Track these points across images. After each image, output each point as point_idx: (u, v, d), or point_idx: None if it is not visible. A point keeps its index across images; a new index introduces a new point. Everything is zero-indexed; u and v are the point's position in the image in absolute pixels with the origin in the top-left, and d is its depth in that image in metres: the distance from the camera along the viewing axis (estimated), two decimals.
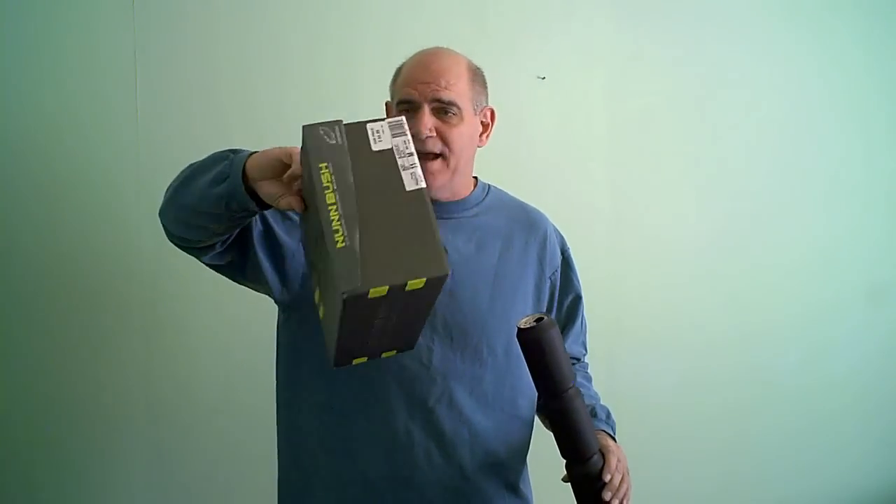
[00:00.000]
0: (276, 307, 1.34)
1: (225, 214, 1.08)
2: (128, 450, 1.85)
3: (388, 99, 1.35)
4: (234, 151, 1.09)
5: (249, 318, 1.78)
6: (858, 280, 2.09)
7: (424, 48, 1.30)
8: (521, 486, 1.35)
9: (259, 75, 1.82)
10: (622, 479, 1.21)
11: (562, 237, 1.42)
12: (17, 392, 1.80)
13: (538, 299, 1.35)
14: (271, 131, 1.83)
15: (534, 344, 1.13)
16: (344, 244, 0.91)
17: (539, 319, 1.14)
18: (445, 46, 1.31)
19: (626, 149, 1.97)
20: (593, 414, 1.33)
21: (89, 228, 1.81)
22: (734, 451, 2.04)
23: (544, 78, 1.89)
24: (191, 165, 1.18)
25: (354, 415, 1.25)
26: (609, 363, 1.97)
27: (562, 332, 1.36)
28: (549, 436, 1.30)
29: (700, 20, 1.99)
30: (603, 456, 1.21)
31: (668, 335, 2.01)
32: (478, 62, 1.89)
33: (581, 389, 1.29)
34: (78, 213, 1.81)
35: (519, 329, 1.14)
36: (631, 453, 1.98)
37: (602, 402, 1.42)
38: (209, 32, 1.82)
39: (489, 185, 1.38)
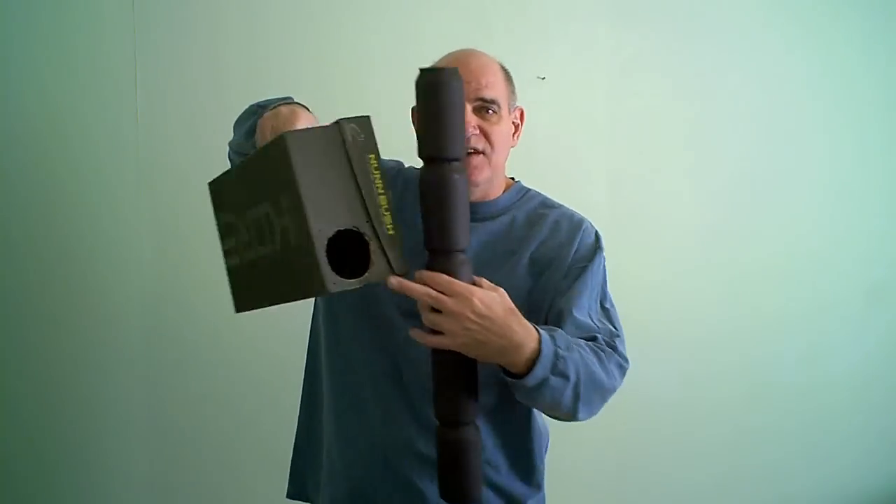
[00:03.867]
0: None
1: None
2: (128, 450, 1.85)
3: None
4: (262, 106, 1.17)
5: (250, 318, 1.78)
6: (857, 278, 2.09)
7: (454, 51, 1.28)
8: (533, 477, 1.30)
9: (260, 75, 1.82)
10: (439, 300, 1.00)
11: (597, 246, 1.27)
12: (17, 392, 1.80)
13: (538, 304, 1.23)
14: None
15: (428, 89, 1.03)
16: (392, 231, 1.00)
17: None
18: (473, 48, 1.29)
19: (626, 149, 1.97)
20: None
21: (89, 228, 1.81)
22: (732, 448, 2.04)
23: (544, 78, 1.89)
24: (243, 116, 1.26)
25: (356, 416, 1.25)
26: None
27: (560, 297, 1.21)
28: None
29: (699, 22, 1.99)
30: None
31: (667, 333, 2.01)
32: None
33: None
34: (78, 213, 1.81)
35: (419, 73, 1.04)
36: (630, 449, 2.01)
37: (578, 354, 1.11)
38: (209, 32, 1.82)
39: (528, 189, 1.33)
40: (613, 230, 1.91)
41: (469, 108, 1.21)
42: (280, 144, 0.97)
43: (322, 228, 0.95)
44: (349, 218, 0.99)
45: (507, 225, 1.27)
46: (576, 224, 1.28)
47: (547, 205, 1.32)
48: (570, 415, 1.11)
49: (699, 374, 2.02)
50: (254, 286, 1.11)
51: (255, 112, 1.19)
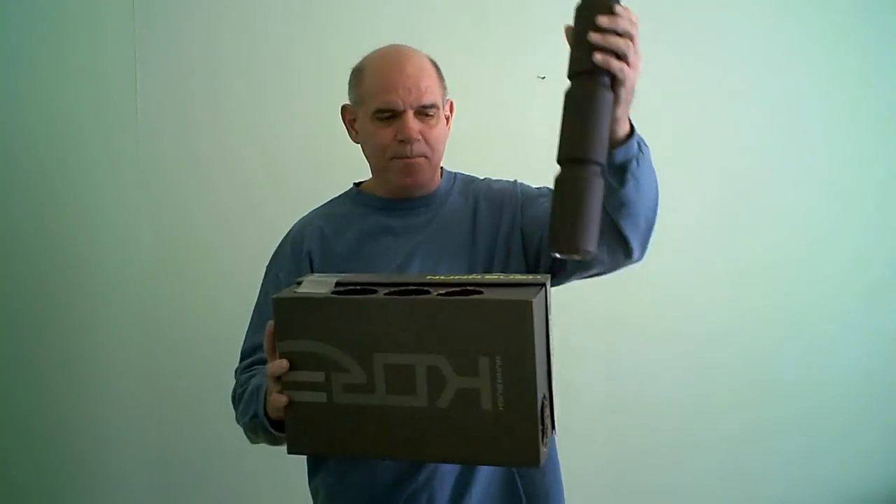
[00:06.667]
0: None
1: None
2: (128, 450, 1.85)
3: (348, 102, 1.32)
4: (255, 416, 1.16)
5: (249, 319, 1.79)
6: (857, 275, 2.08)
7: (384, 49, 1.29)
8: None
9: (260, 75, 1.82)
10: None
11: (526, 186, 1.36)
12: (17, 392, 1.80)
13: (523, 255, 1.28)
14: (272, 131, 1.84)
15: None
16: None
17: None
18: (402, 44, 1.30)
19: None
20: None
21: (89, 228, 1.81)
22: (731, 445, 2.04)
23: (544, 78, 1.89)
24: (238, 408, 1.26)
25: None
26: (608, 359, 1.97)
27: (536, 215, 1.27)
28: None
29: (696, 21, 1.98)
30: None
31: (667, 332, 2.00)
32: (479, 62, 1.89)
33: None
34: (78, 213, 1.81)
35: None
36: (631, 447, 2.01)
37: None
38: (209, 32, 1.82)
39: (455, 174, 1.38)
40: None
41: (411, 114, 1.23)
42: (514, 308, 0.91)
43: (540, 399, 0.94)
44: (546, 385, 0.97)
45: (452, 210, 1.31)
46: (504, 180, 1.35)
47: (471, 179, 1.37)
48: (651, 225, 1.19)
49: (698, 372, 2.01)
50: (344, 432, 0.99)
51: (255, 416, 1.17)
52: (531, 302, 0.91)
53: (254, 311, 1.33)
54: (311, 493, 1.34)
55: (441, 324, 0.94)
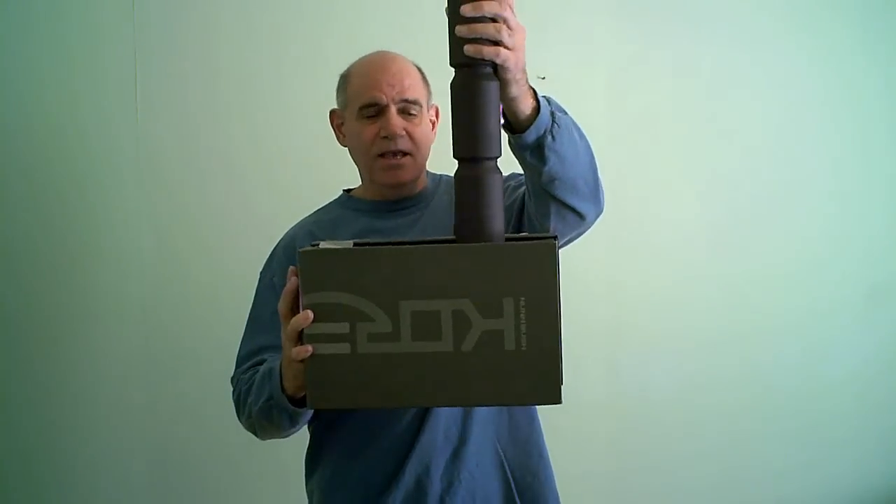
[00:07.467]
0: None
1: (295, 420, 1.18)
2: (128, 450, 1.85)
3: (337, 107, 1.35)
4: (270, 397, 1.15)
5: None
6: (857, 280, 2.08)
7: (370, 54, 1.33)
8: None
9: (259, 74, 1.83)
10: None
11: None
12: (17, 391, 1.80)
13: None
14: (271, 131, 1.84)
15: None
16: None
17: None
18: (388, 50, 1.33)
19: (627, 149, 1.96)
20: None
21: (89, 228, 1.82)
22: (733, 451, 2.04)
23: (544, 78, 1.88)
24: (245, 400, 1.24)
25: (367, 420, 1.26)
26: (609, 363, 1.97)
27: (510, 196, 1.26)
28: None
29: (700, 21, 1.98)
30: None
31: (668, 336, 2.00)
32: None
33: None
34: (78, 212, 1.81)
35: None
36: (631, 451, 2.01)
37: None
38: (209, 32, 1.82)
39: (441, 176, 1.39)
40: (614, 230, 1.91)
41: (394, 109, 1.25)
42: (538, 251, 0.98)
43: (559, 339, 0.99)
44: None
45: (436, 209, 1.32)
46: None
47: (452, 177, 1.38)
48: (593, 182, 1.15)
49: (700, 378, 2.01)
50: (368, 383, 1.01)
51: (270, 397, 1.17)
52: (555, 244, 0.98)
53: (248, 319, 1.33)
54: (307, 495, 1.35)
55: (467, 269, 0.99)
